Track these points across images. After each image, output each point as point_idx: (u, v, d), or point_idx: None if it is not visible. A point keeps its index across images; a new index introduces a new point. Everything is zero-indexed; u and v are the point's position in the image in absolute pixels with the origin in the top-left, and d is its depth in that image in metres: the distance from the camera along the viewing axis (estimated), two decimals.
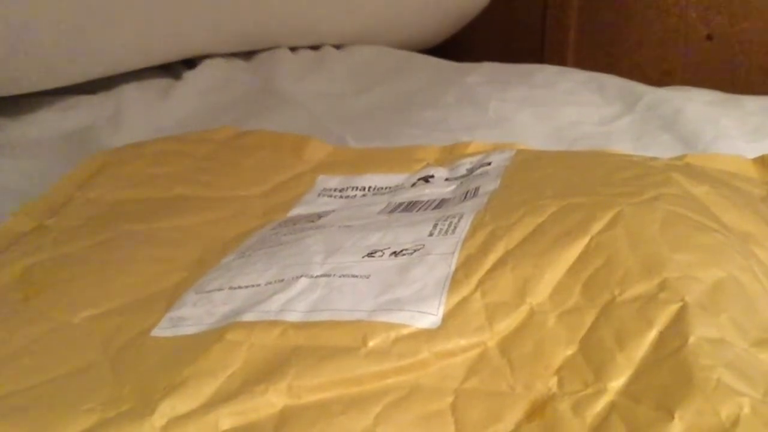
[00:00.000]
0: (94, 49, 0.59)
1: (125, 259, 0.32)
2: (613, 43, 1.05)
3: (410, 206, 0.35)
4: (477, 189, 0.35)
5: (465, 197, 0.35)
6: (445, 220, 0.31)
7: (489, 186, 0.35)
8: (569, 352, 0.23)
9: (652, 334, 0.22)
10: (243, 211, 0.37)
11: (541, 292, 0.25)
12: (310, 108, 0.60)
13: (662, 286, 0.24)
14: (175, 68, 0.68)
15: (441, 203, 0.35)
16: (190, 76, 0.66)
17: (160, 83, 0.65)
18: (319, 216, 0.36)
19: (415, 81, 0.68)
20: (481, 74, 0.68)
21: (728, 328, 0.22)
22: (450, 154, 0.43)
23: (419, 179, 0.39)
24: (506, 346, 0.23)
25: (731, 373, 0.20)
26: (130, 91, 0.62)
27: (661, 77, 0.98)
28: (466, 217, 0.31)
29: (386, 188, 0.39)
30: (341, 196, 0.39)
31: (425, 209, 0.35)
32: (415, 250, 0.29)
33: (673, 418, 0.19)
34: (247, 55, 0.73)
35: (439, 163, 0.41)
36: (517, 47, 1.14)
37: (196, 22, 0.67)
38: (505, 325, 0.24)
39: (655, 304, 0.23)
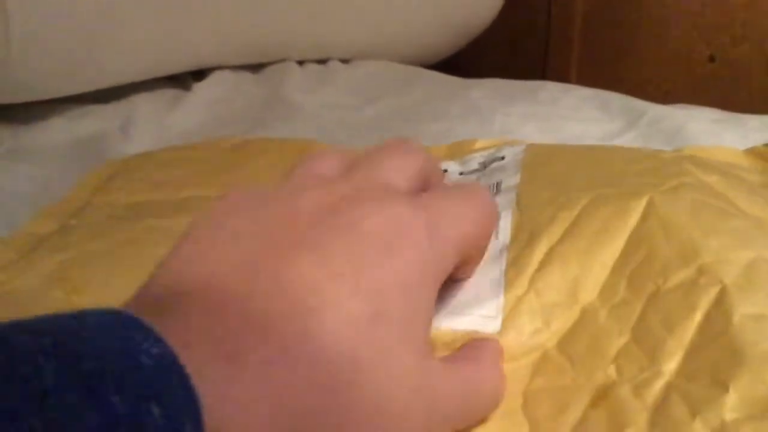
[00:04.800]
0: (104, 59, 0.60)
1: (154, 254, 0.32)
2: (616, 62, 1.05)
3: None
4: (498, 184, 0.34)
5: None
6: None
7: (510, 180, 0.34)
8: (623, 341, 0.24)
9: (698, 317, 0.23)
10: None
11: (590, 292, 0.26)
12: (318, 119, 0.60)
13: (700, 272, 0.25)
14: (184, 79, 0.69)
15: None
16: (199, 87, 0.67)
17: (170, 94, 0.65)
18: None
19: (420, 94, 0.68)
20: (486, 89, 0.69)
21: (767, 304, 0.23)
22: (459, 150, 0.42)
23: None
24: (564, 344, 0.24)
25: None
26: (140, 100, 0.62)
27: (663, 97, 0.98)
28: (504, 215, 0.30)
29: None
30: None
31: None
32: None
33: (727, 391, 0.20)
34: (255, 67, 0.74)
35: (449, 158, 0.41)
36: (519, 63, 1.15)
37: (205, 35, 0.68)
38: (561, 325, 0.25)
39: (696, 289, 0.24)
